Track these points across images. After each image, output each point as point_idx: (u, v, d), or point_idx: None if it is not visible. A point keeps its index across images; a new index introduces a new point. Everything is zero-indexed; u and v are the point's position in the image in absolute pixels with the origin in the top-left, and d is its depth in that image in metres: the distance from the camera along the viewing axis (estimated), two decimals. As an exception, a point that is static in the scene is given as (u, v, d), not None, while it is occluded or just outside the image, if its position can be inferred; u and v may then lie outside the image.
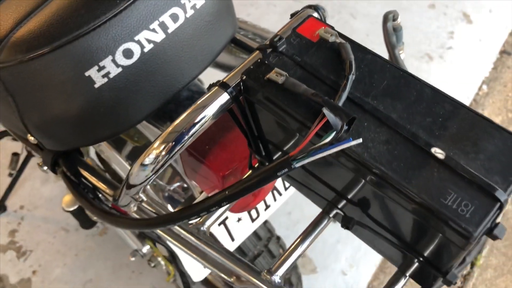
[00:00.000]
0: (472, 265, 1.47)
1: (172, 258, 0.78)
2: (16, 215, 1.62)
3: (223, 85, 0.52)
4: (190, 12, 0.65)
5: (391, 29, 0.63)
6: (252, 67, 0.51)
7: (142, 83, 0.63)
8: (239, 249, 0.97)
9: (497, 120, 1.76)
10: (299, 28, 0.53)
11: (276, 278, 0.49)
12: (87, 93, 0.59)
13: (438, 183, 0.42)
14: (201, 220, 0.57)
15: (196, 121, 0.52)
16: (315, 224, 0.50)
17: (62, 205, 1.04)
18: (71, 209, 1.04)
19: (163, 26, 0.62)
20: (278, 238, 1.07)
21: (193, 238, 0.54)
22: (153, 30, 0.61)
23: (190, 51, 0.67)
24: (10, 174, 1.52)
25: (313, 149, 0.43)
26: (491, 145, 0.44)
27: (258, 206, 0.88)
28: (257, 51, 0.54)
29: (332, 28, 0.54)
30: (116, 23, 0.58)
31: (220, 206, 0.46)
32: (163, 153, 0.52)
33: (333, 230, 1.48)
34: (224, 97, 0.52)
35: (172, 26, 0.63)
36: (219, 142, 0.67)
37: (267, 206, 0.89)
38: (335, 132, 0.44)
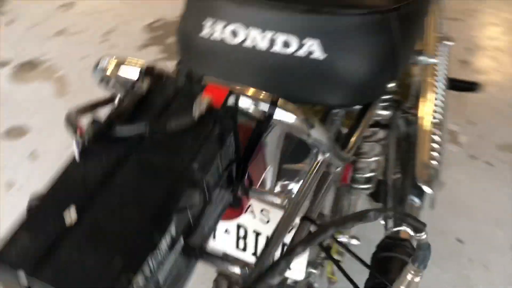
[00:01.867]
0: None
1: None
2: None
3: None
4: (300, 54, 0.64)
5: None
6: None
7: (217, 62, 0.69)
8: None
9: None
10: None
11: None
12: (194, 35, 0.69)
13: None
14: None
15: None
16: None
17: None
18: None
19: (272, 41, 0.64)
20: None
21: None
22: (263, 37, 0.64)
23: (260, 79, 0.68)
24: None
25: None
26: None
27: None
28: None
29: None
30: (255, 10, 0.63)
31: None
32: None
33: None
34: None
35: (277, 48, 0.64)
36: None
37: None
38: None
